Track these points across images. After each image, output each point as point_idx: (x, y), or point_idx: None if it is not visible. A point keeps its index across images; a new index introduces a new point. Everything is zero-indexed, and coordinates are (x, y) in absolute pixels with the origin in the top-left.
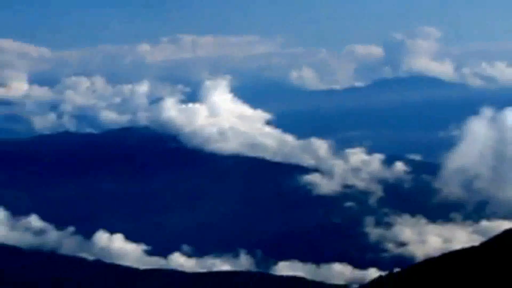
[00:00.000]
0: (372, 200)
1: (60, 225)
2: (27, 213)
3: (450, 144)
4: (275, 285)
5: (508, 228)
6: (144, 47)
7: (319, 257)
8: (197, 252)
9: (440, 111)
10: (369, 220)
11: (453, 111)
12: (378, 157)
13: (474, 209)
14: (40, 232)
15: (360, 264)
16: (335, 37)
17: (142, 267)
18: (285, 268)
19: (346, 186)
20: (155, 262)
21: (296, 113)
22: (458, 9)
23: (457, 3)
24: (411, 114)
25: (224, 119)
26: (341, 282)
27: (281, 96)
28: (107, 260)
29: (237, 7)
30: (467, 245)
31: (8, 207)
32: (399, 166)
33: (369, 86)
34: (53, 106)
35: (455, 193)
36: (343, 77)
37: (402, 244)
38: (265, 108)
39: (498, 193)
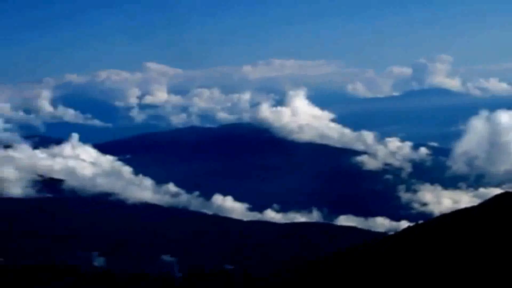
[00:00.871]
0: (403, 174)
1: (189, 190)
2: (166, 181)
3: (458, 135)
4: (336, 232)
5: (498, 193)
6: (247, 68)
7: (367, 213)
8: (283, 209)
9: (451, 113)
10: (401, 187)
11: (460, 113)
12: (408, 144)
13: (474, 180)
14: (175, 195)
15: (395, 218)
16: (379, 61)
17: (245, 219)
18: (343, 220)
19: (386, 164)
20: (254, 216)
21: (351, 113)
22: (464, 40)
23: (464, 35)
24: (431, 115)
25: (301, 118)
26: (381, 230)
27: (341, 102)
28: (221, 214)
29: (311, 40)
30: (469, 205)
31: (152, 177)
32: (423, 150)
33: (402, 95)
34: (184, 109)
35: (462, 168)
36: (384, 88)
37: (424, 204)
38: (330, 110)
39: (491, 169)
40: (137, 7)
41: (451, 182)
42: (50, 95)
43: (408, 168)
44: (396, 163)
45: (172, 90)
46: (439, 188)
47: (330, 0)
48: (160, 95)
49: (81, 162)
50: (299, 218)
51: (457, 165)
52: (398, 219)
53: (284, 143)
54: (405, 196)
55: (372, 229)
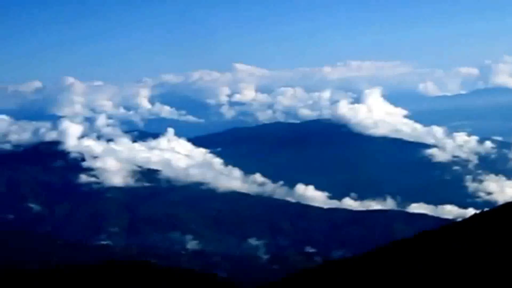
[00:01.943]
0: (470, 165)
1: (274, 180)
2: (253, 172)
3: None
4: (408, 218)
5: None
6: (327, 69)
7: (436, 201)
8: (360, 197)
9: None
10: (468, 178)
11: None
12: (474, 138)
13: None
14: (261, 184)
15: (463, 205)
16: (447, 62)
17: (325, 206)
18: (415, 208)
19: (454, 156)
20: (333, 204)
21: (423, 110)
22: None
23: None
24: (496, 111)
25: (376, 114)
26: (450, 217)
27: (413, 99)
28: (303, 202)
29: (387, 42)
30: None
31: (241, 168)
32: (488, 144)
33: (469, 93)
34: (270, 106)
35: None
36: (452, 87)
37: (489, 193)
38: (403, 107)
39: None
40: (228, 14)
41: None
42: (148, 93)
43: (475, 160)
44: (463, 155)
45: (259, 89)
46: (503, 178)
47: (408, 6)
48: (248, 94)
49: (176, 154)
50: (375, 205)
51: None
52: (465, 206)
53: (361, 137)
54: (471, 185)
55: (441, 216)
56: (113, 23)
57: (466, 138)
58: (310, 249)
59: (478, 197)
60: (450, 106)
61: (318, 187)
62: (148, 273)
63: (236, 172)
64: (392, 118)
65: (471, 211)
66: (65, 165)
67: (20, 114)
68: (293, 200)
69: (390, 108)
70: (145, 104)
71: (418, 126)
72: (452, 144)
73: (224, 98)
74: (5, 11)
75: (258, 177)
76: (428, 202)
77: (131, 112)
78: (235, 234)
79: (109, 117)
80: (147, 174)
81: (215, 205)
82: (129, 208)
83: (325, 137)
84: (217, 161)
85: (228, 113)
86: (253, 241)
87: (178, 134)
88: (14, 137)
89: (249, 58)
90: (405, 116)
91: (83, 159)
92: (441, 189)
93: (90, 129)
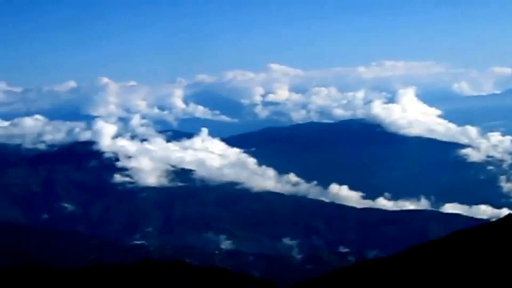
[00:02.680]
0: (504, 165)
1: (308, 180)
2: (287, 172)
3: None
4: (443, 218)
5: None
6: (361, 69)
7: (471, 201)
8: (394, 197)
9: None
10: (502, 178)
11: None
12: (508, 138)
13: None
14: (295, 184)
15: (497, 205)
16: (482, 62)
17: (359, 206)
18: (449, 208)
19: (488, 156)
20: (367, 204)
21: (456, 110)
22: None
23: None
24: None
25: (411, 114)
26: (484, 217)
27: (447, 99)
28: (337, 202)
29: (421, 42)
30: None
31: (275, 168)
32: None
33: (503, 93)
34: (304, 106)
35: None
36: (487, 87)
37: None
38: (437, 107)
39: None
40: (263, 14)
41: None
42: (182, 94)
43: (509, 160)
44: (498, 155)
45: (293, 89)
46: None
47: (442, 7)
48: (282, 93)
49: (210, 154)
50: (409, 205)
51: None
52: (499, 206)
53: (395, 137)
54: (506, 185)
55: (475, 216)
56: (148, 22)
57: (501, 137)
58: (344, 249)
59: None
60: (484, 106)
61: (352, 187)
62: (182, 273)
63: (270, 172)
64: (426, 118)
65: (505, 211)
66: (99, 165)
67: (55, 114)
68: (327, 200)
69: (424, 108)
70: (179, 104)
71: (452, 126)
72: (486, 144)
73: (258, 98)
74: (41, 12)
75: (292, 177)
76: (462, 202)
77: (165, 112)
78: (268, 234)
79: (143, 117)
80: (181, 174)
81: (249, 205)
82: (163, 208)
83: (359, 137)
84: (251, 161)
85: (262, 113)
86: (287, 241)
87: (212, 134)
88: (48, 137)
89: (283, 58)
90: (439, 116)
91: (117, 159)
92: (475, 189)
93: (124, 129)
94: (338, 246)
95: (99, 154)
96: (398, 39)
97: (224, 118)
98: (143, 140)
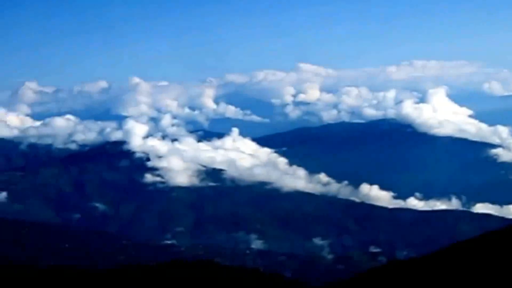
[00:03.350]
0: None
1: (338, 180)
2: (318, 172)
3: None
4: (474, 218)
5: None
6: (391, 68)
7: (502, 201)
8: (425, 197)
9: None
10: None
11: None
12: None
13: None
14: (326, 184)
15: None
16: None
17: (390, 206)
18: (480, 208)
19: None
20: (398, 204)
21: (487, 110)
22: None
23: None
24: None
25: (441, 114)
26: None
27: (478, 99)
28: (368, 202)
29: (452, 42)
30: None
31: (306, 168)
32: None
33: None
34: (334, 106)
35: None
36: None
37: None
38: (468, 107)
39: None
40: (293, 13)
41: None
42: (213, 94)
43: None
44: None
45: (324, 89)
46: None
47: (473, 6)
48: (313, 93)
49: (241, 154)
50: (440, 205)
51: None
52: None
53: (426, 137)
54: None
55: (506, 217)
56: (178, 23)
57: None
58: (374, 249)
59: None
60: None
61: (383, 187)
62: (213, 272)
63: (301, 172)
64: (457, 117)
65: None
66: (130, 165)
67: (86, 114)
68: (357, 200)
69: (455, 107)
70: (210, 104)
71: (483, 125)
72: None
73: (289, 98)
74: (72, 12)
75: (322, 177)
76: (493, 202)
77: (196, 112)
78: (299, 234)
79: (174, 117)
80: (212, 173)
81: (280, 204)
82: (194, 208)
83: (389, 137)
84: (282, 161)
85: (293, 113)
86: (317, 241)
87: (243, 134)
88: (80, 137)
89: (314, 58)
90: (470, 116)
91: (148, 159)
92: (506, 189)
93: (155, 129)
94: (369, 246)
95: (130, 154)
96: (429, 38)
97: (255, 118)
98: (174, 140)
